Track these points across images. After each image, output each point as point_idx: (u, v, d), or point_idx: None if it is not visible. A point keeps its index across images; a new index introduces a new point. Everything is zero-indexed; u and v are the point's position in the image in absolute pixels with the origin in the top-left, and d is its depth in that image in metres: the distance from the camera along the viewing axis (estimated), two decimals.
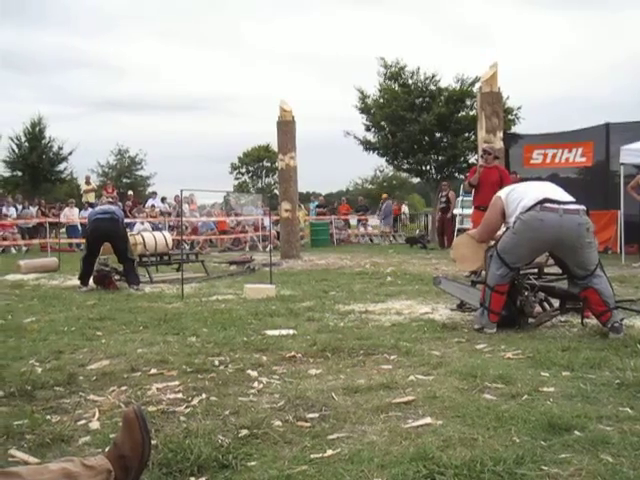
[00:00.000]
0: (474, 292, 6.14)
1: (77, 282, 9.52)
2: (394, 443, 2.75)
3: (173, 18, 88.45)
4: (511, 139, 17.34)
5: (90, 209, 21.54)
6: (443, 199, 19.85)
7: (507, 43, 74.95)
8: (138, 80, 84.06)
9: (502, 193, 5.68)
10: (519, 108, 25.85)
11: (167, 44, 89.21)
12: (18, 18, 74.34)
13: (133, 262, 9.66)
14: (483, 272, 6.05)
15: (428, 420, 3.03)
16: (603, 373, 3.87)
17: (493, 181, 9.69)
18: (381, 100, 26.25)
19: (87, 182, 24.61)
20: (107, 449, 2.46)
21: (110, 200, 12.24)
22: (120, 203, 11.41)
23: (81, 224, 21.27)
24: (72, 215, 21.57)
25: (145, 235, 10.94)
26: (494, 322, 5.41)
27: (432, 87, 26.26)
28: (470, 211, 12.23)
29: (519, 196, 5.42)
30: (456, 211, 19.60)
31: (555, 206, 5.18)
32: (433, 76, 26.22)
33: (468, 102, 25.46)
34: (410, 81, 26.21)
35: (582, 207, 5.26)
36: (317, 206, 27.23)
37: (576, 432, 2.81)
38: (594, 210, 12.64)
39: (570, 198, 5.33)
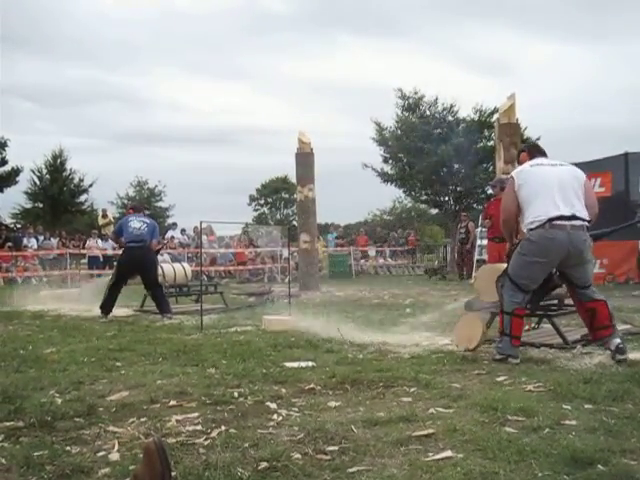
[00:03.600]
0: None
1: (97, 312, 9.55)
2: (414, 477, 2.73)
3: (196, 52, 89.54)
4: None
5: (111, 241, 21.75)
6: (462, 230, 19.78)
7: (525, 73, 75.05)
8: (159, 112, 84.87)
9: (516, 176, 5.53)
10: (538, 139, 25.83)
11: (190, 77, 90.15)
12: (42, 52, 75.71)
13: (162, 288, 9.71)
14: None
15: (449, 453, 3.00)
16: (626, 406, 3.82)
17: None
18: (398, 131, 26.37)
19: (104, 215, 24.63)
20: None
21: (145, 214, 11.10)
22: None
23: (102, 255, 21.44)
24: (95, 246, 21.69)
25: (164, 266, 10.99)
26: (517, 346, 5.45)
27: (450, 118, 26.36)
28: None
29: (530, 193, 5.37)
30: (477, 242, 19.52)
31: (564, 223, 5.25)
32: (451, 107, 26.35)
33: (486, 133, 25.52)
34: (428, 112, 26.34)
35: (585, 223, 5.33)
36: (336, 237, 27.25)
37: (599, 466, 2.77)
38: (614, 241, 12.65)
39: (575, 207, 5.31)
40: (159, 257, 12.01)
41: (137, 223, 9.79)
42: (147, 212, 11.67)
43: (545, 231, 5.26)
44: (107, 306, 9.44)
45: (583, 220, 5.33)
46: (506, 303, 5.46)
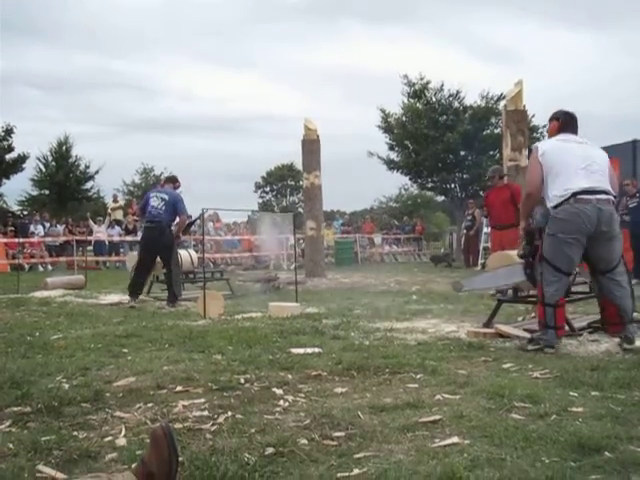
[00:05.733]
0: (502, 273, 6.06)
1: (104, 299, 9.57)
2: (421, 463, 2.73)
3: (203, 40, 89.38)
4: None
5: (117, 227, 21.81)
6: (469, 217, 19.75)
7: (533, 60, 74.82)
8: (165, 100, 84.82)
9: (541, 146, 5.42)
10: (545, 126, 25.68)
11: (197, 65, 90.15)
12: (49, 39, 75.70)
13: (176, 275, 9.48)
14: (509, 290, 6.02)
15: (455, 440, 3.00)
16: (633, 393, 3.81)
17: (504, 200, 9.83)
18: (404, 118, 26.27)
19: (115, 200, 25.00)
20: (134, 466, 2.47)
21: (176, 186, 9.94)
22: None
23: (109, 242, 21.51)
24: (100, 232, 21.72)
25: None
26: (562, 336, 5.34)
27: (456, 104, 26.25)
28: None
29: (553, 166, 5.23)
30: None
31: (589, 197, 5.09)
32: (457, 93, 26.22)
33: (493, 120, 25.40)
34: (434, 99, 26.22)
35: (611, 197, 5.21)
36: (342, 224, 27.26)
37: (606, 453, 2.77)
38: (622, 229, 12.58)
39: (600, 182, 5.20)
40: None
41: (155, 200, 9.37)
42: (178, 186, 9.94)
43: (570, 206, 5.09)
44: (133, 289, 9.38)
45: (608, 194, 5.19)
46: (548, 295, 5.22)
